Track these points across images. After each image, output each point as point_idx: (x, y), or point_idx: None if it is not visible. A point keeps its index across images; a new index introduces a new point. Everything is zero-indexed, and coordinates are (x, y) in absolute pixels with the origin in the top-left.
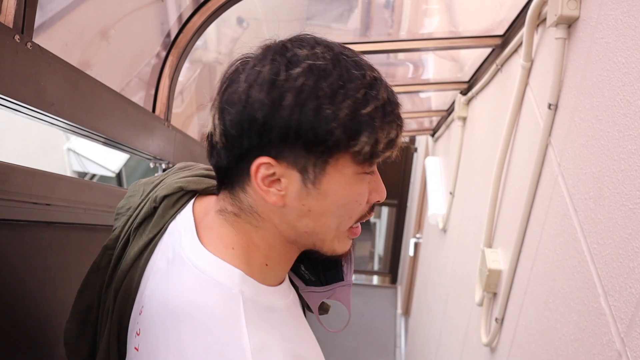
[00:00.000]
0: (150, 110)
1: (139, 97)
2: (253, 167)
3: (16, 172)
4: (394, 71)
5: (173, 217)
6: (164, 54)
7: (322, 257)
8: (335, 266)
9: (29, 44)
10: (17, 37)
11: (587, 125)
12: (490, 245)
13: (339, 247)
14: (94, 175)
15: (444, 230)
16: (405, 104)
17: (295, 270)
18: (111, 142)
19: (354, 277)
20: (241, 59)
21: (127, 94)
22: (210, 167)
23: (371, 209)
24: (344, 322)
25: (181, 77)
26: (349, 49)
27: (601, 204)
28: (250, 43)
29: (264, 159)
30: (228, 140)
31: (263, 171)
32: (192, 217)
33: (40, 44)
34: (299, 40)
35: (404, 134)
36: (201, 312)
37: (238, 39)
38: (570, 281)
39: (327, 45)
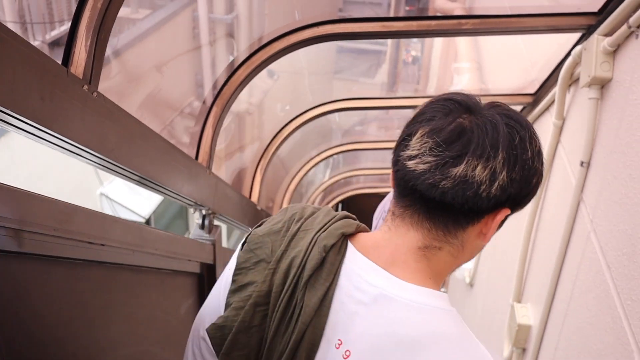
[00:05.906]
0: (194, 157)
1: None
2: (500, 214)
3: (79, 213)
4: None
5: (342, 262)
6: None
7: None
8: None
9: (95, 94)
10: (85, 87)
11: (620, 184)
12: (519, 300)
13: None
14: None
15: (471, 284)
16: None
17: None
18: (159, 188)
19: None
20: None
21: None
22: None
23: None
24: None
25: None
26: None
27: (635, 261)
28: (278, 95)
29: (508, 210)
30: (503, 192)
31: (500, 217)
32: (366, 259)
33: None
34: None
35: None
36: (444, 337)
37: (268, 90)
38: (604, 337)
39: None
